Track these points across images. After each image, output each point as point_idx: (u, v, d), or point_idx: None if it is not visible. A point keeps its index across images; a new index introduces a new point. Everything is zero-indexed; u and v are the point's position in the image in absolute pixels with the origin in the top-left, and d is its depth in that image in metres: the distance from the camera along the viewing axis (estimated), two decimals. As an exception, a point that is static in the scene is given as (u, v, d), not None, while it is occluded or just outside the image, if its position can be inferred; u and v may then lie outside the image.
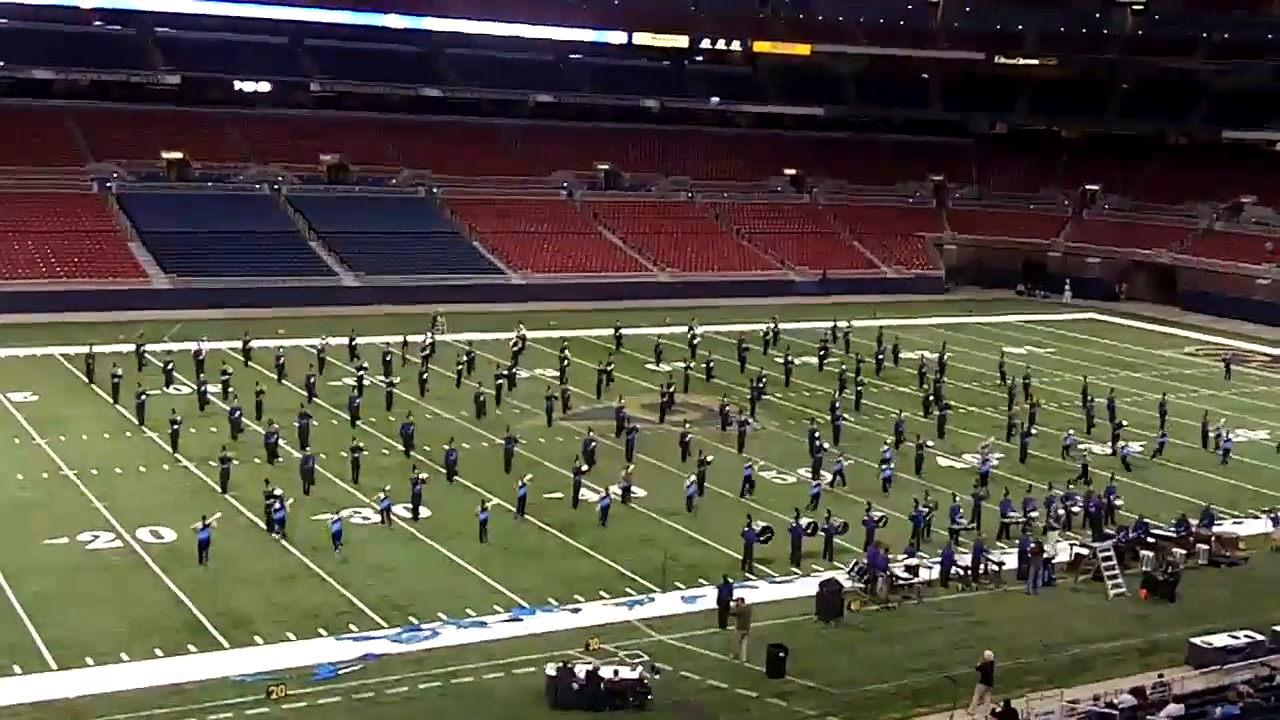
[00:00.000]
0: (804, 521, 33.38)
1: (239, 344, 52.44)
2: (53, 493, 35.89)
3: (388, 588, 30.07)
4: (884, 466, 39.34)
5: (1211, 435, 46.25)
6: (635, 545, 33.58)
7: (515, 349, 55.12)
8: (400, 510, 35.04)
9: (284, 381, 48.69)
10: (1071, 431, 45.28)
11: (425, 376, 49.05)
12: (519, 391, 49.38)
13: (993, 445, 43.17)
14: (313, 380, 47.19)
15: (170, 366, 48.58)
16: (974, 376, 56.97)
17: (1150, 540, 34.16)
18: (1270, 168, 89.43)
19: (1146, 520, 35.12)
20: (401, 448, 40.69)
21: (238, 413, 41.96)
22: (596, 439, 40.79)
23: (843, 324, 63.10)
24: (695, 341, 58.46)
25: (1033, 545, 32.48)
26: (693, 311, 65.23)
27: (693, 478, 37.62)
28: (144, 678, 25.02)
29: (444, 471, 38.05)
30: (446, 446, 38.81)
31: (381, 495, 34.87)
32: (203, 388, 45.47)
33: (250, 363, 51.39)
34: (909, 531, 34.24)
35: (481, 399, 46.00)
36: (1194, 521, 35.76)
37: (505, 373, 50.15)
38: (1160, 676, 25.38)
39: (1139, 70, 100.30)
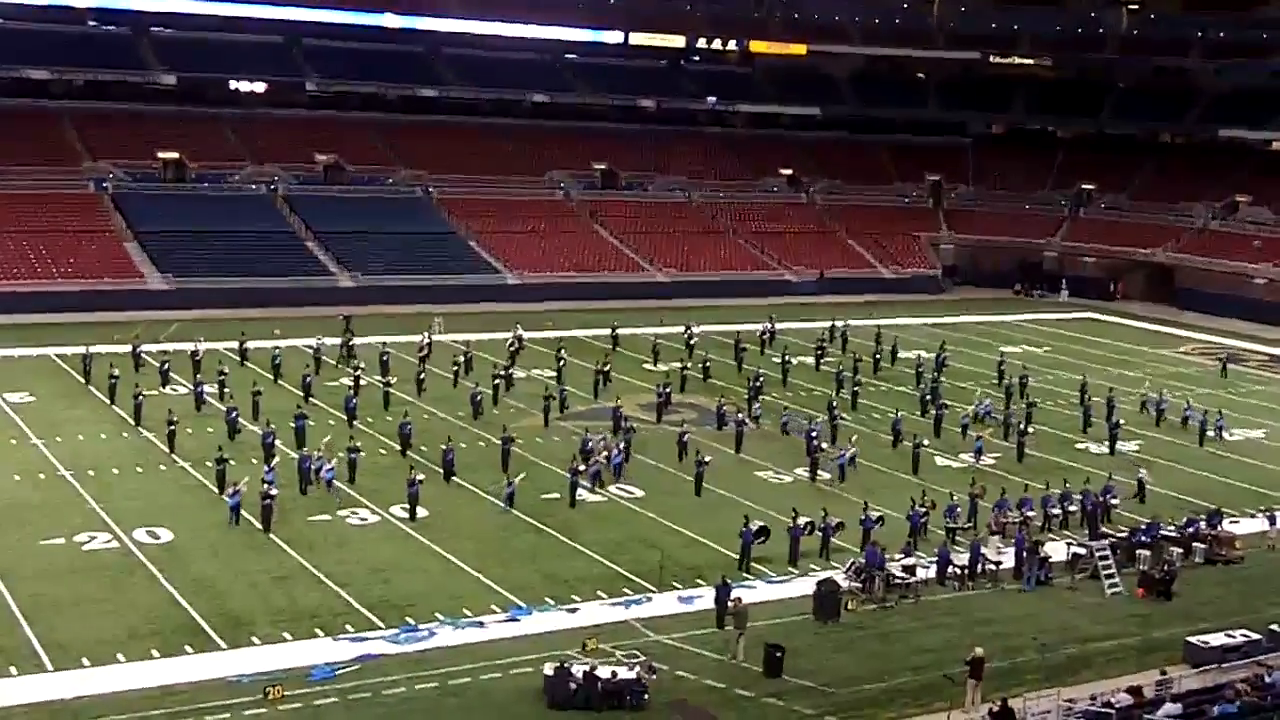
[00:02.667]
0: (802, 521, 33.39)
1: (235, 344, 52.43)
2: (49, 493, 35.80)
3: (385, 588, 30.05)
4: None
5: (1189, 419, 46.68)
6: (632, 545, 33.57)
7: (512, 349, 55.10)
8: (398, 510, 35.06)
9: (280, 382, 48.70)
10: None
11: (423, 377, 49.04)
12: (516, 391, 49.38)
13: (989, 403, 44.68)
14: (309, 380, 47.22)
15: (167, 367, 48.51)
16: (971, 376, 56.99)
17: (1149, 539, 34.19)
18: (1266, 167, 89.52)
19: (1159, 521, 35.16)
20: (399, 447, 40.70)
21: (234, 413, 41.91)
22: (593, 439, 40.78)
23: (840, 323, 63.12)
24: (692, 341, 58.44)
25: (1028, 544, 32.53)
26: (690, 311, 65.24)
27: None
28: (140, 679, 24.97)
29: (441, 471, 38.04)
30: (444, 446, 38.77)
31: (318, 456, 36.07)
32: (199, 388, 45.40)
33: (246, 363, 51.38)
34: (906, 531, 34.27)
35: (479, 399, 45.98)
36: (1202, 521, 35.78)
37: (502, 373, 50.15)
38: (1163, 674, 25.41)
39: (1134, 70, 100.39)
